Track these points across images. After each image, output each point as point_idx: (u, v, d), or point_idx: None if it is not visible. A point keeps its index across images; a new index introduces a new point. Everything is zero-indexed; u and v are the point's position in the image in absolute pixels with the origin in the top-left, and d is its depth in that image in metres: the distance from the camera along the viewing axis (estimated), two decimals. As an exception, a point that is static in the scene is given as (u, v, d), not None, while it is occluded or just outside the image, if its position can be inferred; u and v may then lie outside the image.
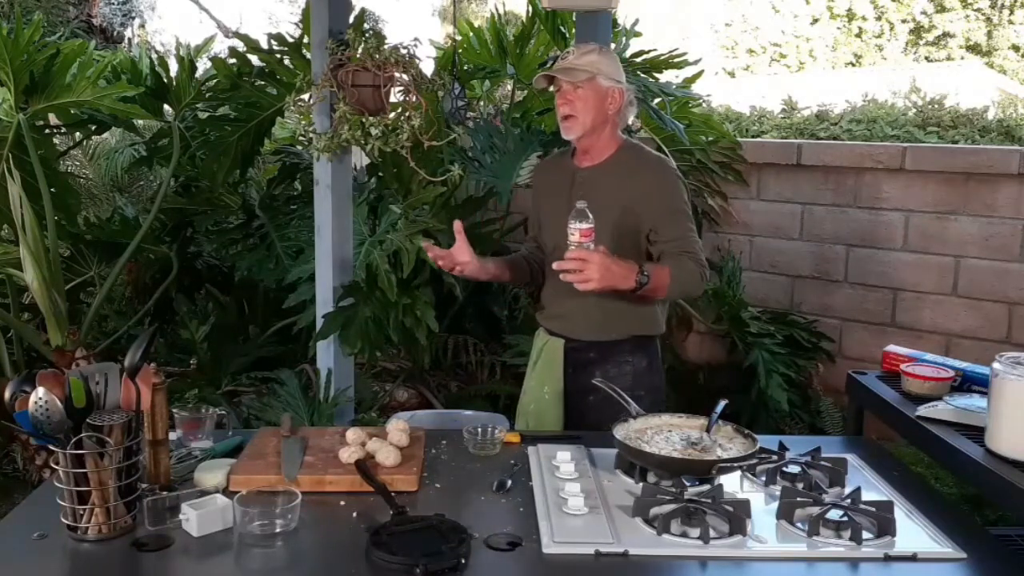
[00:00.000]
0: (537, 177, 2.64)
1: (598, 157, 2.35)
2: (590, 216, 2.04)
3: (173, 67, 4.12)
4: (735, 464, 1.79)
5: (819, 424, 4.03)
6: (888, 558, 1.55)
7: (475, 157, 4.12)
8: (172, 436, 1.93)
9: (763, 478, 1.86)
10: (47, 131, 4.05)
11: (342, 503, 1.74)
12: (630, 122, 2.46)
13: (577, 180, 2.36)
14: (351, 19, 3.21)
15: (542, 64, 4.43)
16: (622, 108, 2.32)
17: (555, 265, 2.07)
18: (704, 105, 4.74)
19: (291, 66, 3.73)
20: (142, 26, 12.73)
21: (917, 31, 17.32)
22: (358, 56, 3.01)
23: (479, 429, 2.05)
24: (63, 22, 9.69)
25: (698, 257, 2.26)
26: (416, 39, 3.13)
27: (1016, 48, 16.70)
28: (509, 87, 4.89)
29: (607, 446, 1.93)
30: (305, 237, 3.86)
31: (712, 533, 1.59)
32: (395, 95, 3.10)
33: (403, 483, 1.80)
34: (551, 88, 2.38)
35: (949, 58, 16.33)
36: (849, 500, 1.72)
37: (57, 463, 1.58)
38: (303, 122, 3.19)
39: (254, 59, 3.82)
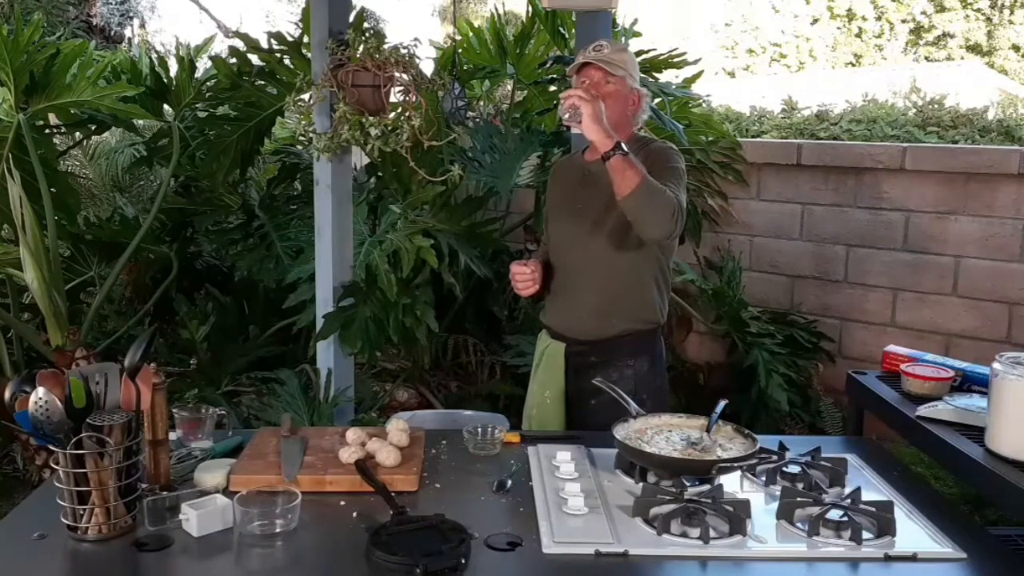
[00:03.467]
0: (551, 178, 2.66)
1: None
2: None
3: (173, 67, 4.13)
4: (735, 464, 1.79)
5: (819, 424, 4.03)
6: (888, 558, 1.55)
7: (475, 157, 4.12)
8: (172, 436, 1.93)
9: (763, 478, 1.86)
10: (47, 131, 4.05)
11: (342, 503, 1.74)
12: (639, 127, 2.50)
13: (585, 173, 2.39)
14: (351, 19, 3.21)
15: (542, 64, 4.43)
16: (639, 112, 2.40)
17: (563, 95, 2.12)
18: (704, 105, 4.74)
19: (291, 66, 3.74)
20: (142, 26, 12.72)
21: (917, 31, 17.31)
22: (358, 56, 3.01)
23: (479, 429, 2.05)
24: (63, 22, 9.68)
25: (677, 196, 2.17)
26: (416, 39, 3.13)
27: (1016, 48, 16.69)
28: (509, 87, 4.89)
29: (607, 446, 1.93)
30: (305, 237, 3.86)
31: (712, 533, 1.59)
32: (395, 95, 3.10)
33: (403, 483, 1.80)
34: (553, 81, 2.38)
35: (949, 58, 16.32)
36: (849, 500, 1.72)
37: (57, 463, 1.58)
38: (303, 122, 3.19)
39: (254, 59, 3.82)
